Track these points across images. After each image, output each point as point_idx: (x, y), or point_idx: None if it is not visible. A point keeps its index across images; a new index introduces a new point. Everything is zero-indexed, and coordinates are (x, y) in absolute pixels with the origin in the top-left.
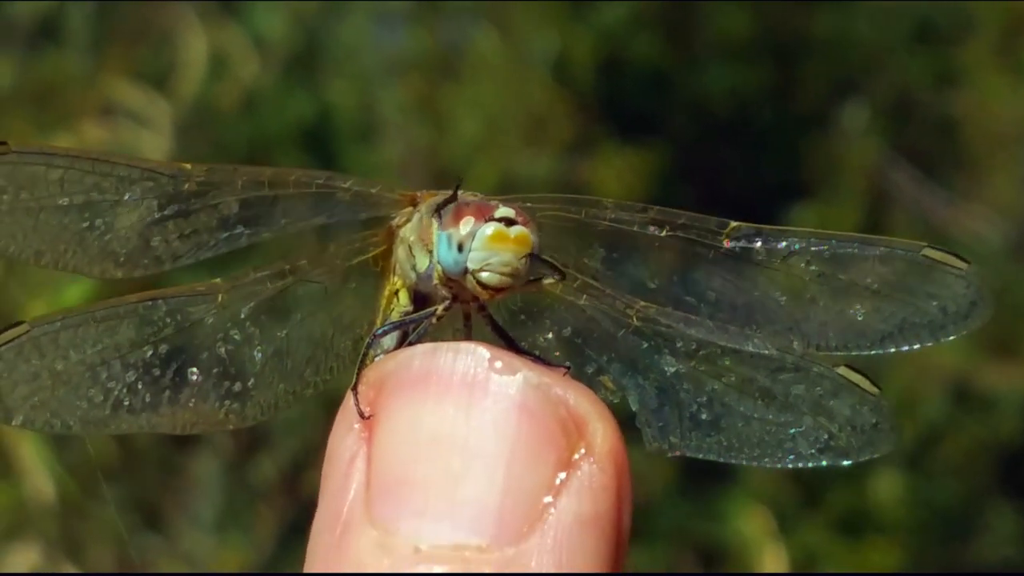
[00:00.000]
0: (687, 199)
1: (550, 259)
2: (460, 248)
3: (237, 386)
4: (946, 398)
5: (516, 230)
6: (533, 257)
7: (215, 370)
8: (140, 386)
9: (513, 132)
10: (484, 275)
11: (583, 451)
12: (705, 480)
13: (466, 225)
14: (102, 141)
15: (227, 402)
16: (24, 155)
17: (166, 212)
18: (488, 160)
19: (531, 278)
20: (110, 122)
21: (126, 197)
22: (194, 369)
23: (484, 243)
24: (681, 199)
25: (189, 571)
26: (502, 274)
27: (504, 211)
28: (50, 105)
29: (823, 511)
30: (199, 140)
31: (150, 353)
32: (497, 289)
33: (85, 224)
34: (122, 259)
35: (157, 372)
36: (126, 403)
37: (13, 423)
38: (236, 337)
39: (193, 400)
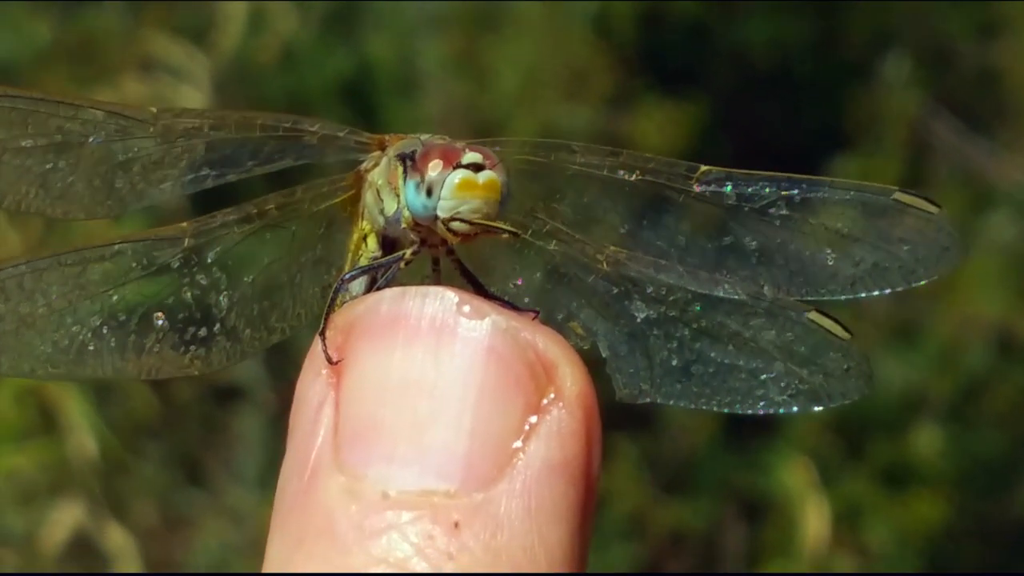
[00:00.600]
0: (727, 151)
1: (505, 226)
2: (428, 193)
3: (203, 331)
4: (989, 348)
5: (485, 176)
6: (502, 203)
7: (181, 315)
8: (105, 331)
9: (553, 86)
10: (454, 224)
11: (552, 396)
12: (747, 432)
13: (434, 169)
14: (141, 96)
15: (192, 347)
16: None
17: (131, 155)
18: (528, 114)
19: (498, 225)
20: (149, 77)
21: (91, 140)
22: (159, 314)
23: (453, 191)
24: (721, 151)
25: (231, 527)
26: (472, 221)
27: (471, 156)
28: (89, 60)
29: (866, 462)
30: (238, 95)
31: (115, 298)
32: (467, 236)
33: (49, 166)
34: (86, 200)
35: (123, 317)
36: (91, 348)
37: None
38: (202, 282)
39: (158, 345)
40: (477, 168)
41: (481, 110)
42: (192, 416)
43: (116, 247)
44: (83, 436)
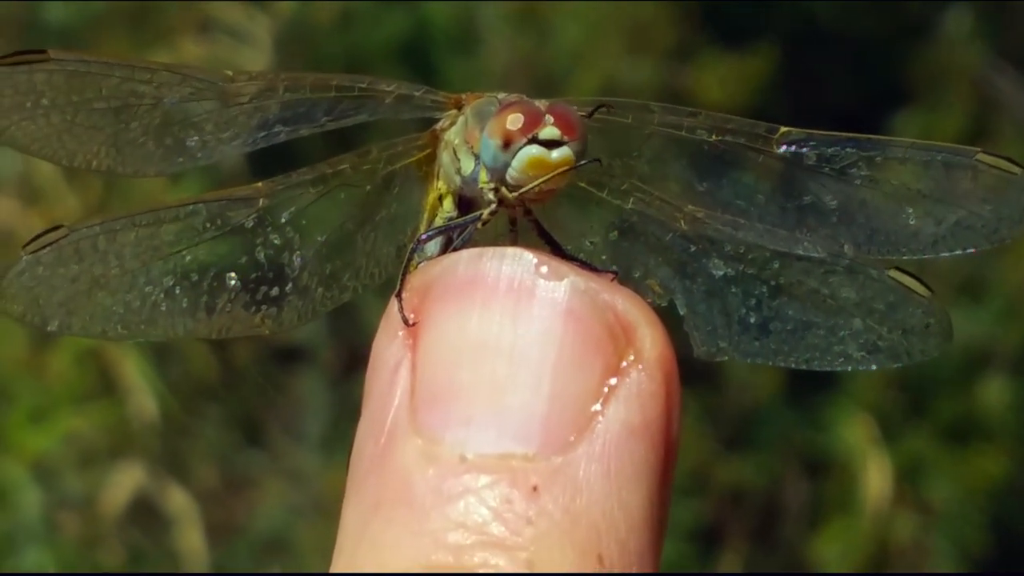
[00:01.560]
0: (789, 106)
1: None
2: (506, 145)
3: (275, 291)
4: None
5: (560, 153)
6: (576, 166)
7: (253, 275)
8: (178, 291)
9: (615, 40)
10: (523, 190)
11: (631, 358)
12: (809, 389)
13: (514, 124)
14: (200, 58)
15: (264, 307)
16: (62, 62)
17: (205, 114)
18: (590, 68)
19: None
20: (207, 39)
21: (165, 101)
22: (232, 274)
23: (525, 165)
24: (783, 106)
25: (292, 489)
26: (537, 194)
27: (551, 132)
28: (147, 23)
29: (928, 418)
30: (296, 56)
31: (189, 258)
32: (534, 201)
33: (121, 126)
34: (156, 158)
35: (195, 277)
36: (163, 308)
37: (49, 328)
38: (276, 242)
39: (230, 305)
40: (554, 144)
41: (542, 66)
42: (252, 377)
43: (191, 207)
44: (143, 398)
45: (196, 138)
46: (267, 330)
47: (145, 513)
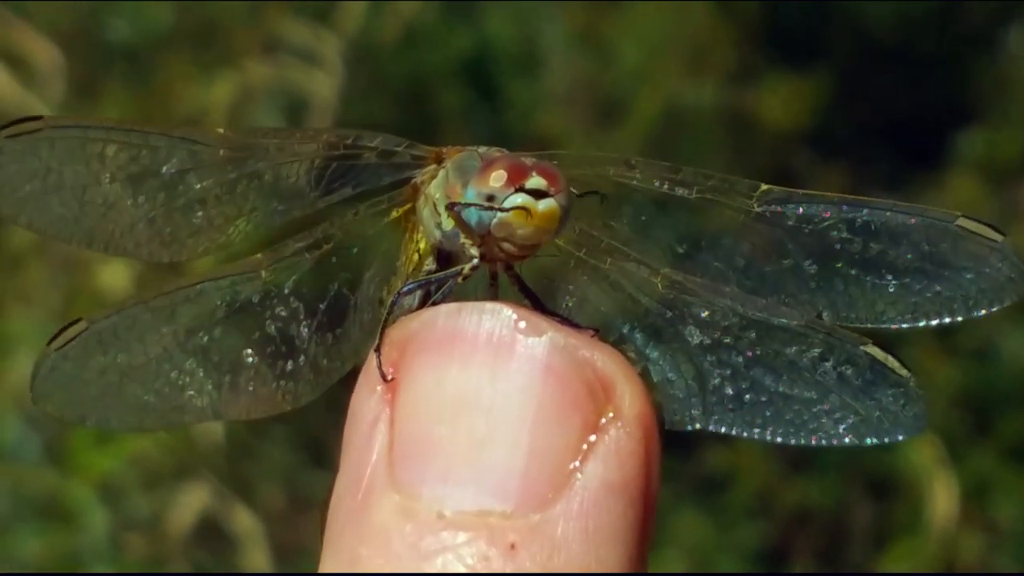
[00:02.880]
0: (851, 125)
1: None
2: (490, 199)
3: (289, 365)
4: None
5: (545, 205)
6: (559, 229)
7: (268, 350)
8: (202, 374)
9: (676, 61)
10: (505, 245)
11: (611, 415)
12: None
13: (497, 181)
14: (266, 78)
15: (282, 382)
16: (59, 129)
17: (203, 184)
18: (651, 89)
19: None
20: (274, 59)
21: (164, 170)
22: (249, 351)
23: (511, 215)
24: (845, 126)
25: None
26: (522, 247)
27: (536, 181)
28: (212, 44)
29: (994, 438)
30: (360, 75)
31: (206, 339)
32: (523, 256)
33: (129, 202)
34: (167, 239)
35: (216, 358)
36: (191, 392)
37: (88, 424)
38: (283, 314)
39: (252, 384)
40: (540, 195)
41: (604, 86)
42: (318, 398)
43: (199, 287)
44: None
45: (201, 214)
46: (288, 406)
47: (211, 534)
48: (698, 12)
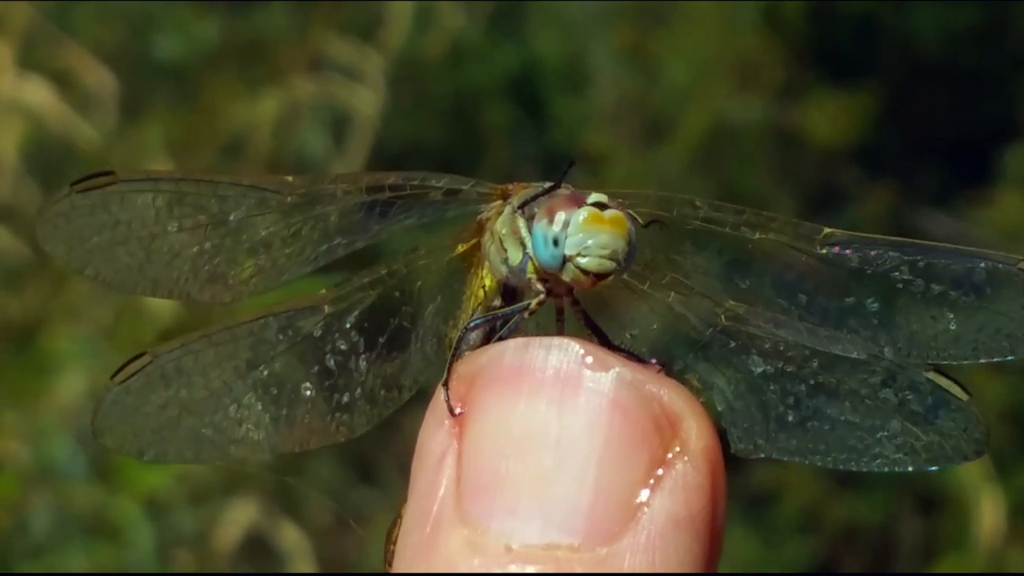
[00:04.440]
0: (898, 142)
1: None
2: (556, 243)
3: (346, 397)
4: None
5: (611, 212)
6: (630, 248)
7: (326, 383)
8: (260, 407)
9: (724, 78)
10: (583, 260)
11: (677, 449)
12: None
13: (559, 220)
14: (311, 95)
15: (338, 414)
16: (131, 183)
17: (271, 229)
18: (698, 107)
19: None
20: (320, 77)
21: (232, 217)
22: (307, 384)
23: (579, 227)
24: (892, 142)
25: None
26: (601, 256)
27: (596, 196)
28: (258, 61)
29: None
30: (404, 93)
31: (266, 373)
32: (598, 275)
33: (195, 249)
34: (231, 281)
35: (275, 391)
36: (249, 426)
37: (145, 458)
38: (342, 347)
39: (308, 416)
40: (603, 207)
41: (651, 104)
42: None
43: (261, 321)
44: None
45: (264, 256)
46: (342, 437)
47: (258, 550)
48: (745, 29)
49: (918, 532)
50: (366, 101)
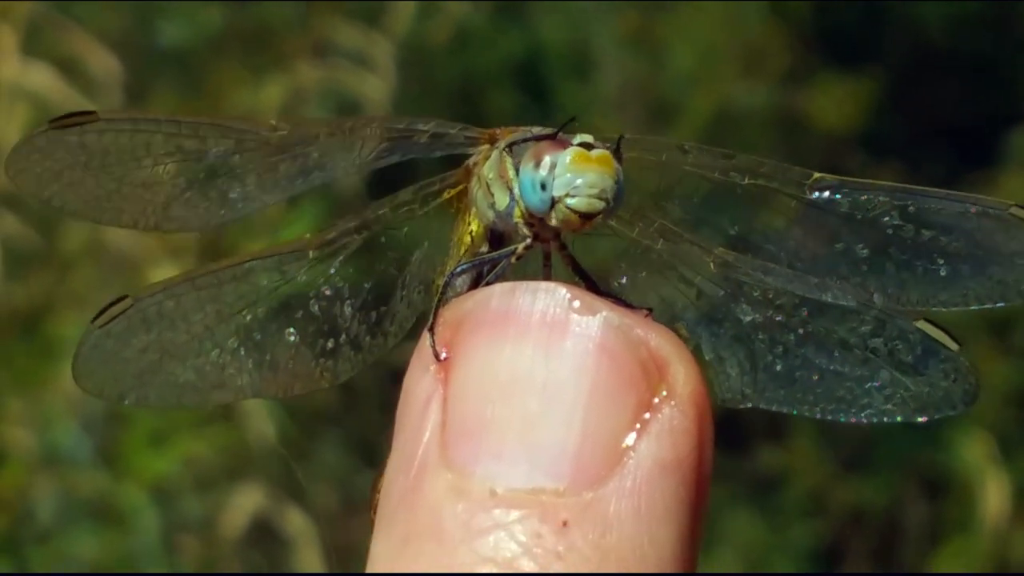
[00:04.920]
0: (904, 127)
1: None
2: (543, 186)
3: (330, 343)
4: None
5: (597, 152)
6: (618, 188)
7: (310, 328)
8: (243, 352)
9: (729, 64)
10: (572, 200)
11: (664, 394)
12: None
13: (546, 164)
14: (317, 81)
15: (322, 360)
16: (112, 122)
17: (248, 166)
18: (703, 92)
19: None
20: (325, 62)
21: (210, 154)
22: (291, 329)
23: (566, 167)
24: (898, 127)
25: None
26: (590, 195)
27: (582, 137)
28: (262, 47)
29: None
30: (410, 78)
31: (249, 317)
32: (587, 215)
33: (167, 183)
34: (200, 211)
35: (258, 336)
36: (231, 371)
37: (126, 402)
38: (327, 293)
39: (292, 362)
40: (589, 147)
41: (657, 89)
42: (371, 401)
43: (246, 265)
44: (262, 421)
45: (239, 190)
46: (326, 383)
47: (264, 535)
48: (751, 14)
49: (924, 515)
50: (372, 87)
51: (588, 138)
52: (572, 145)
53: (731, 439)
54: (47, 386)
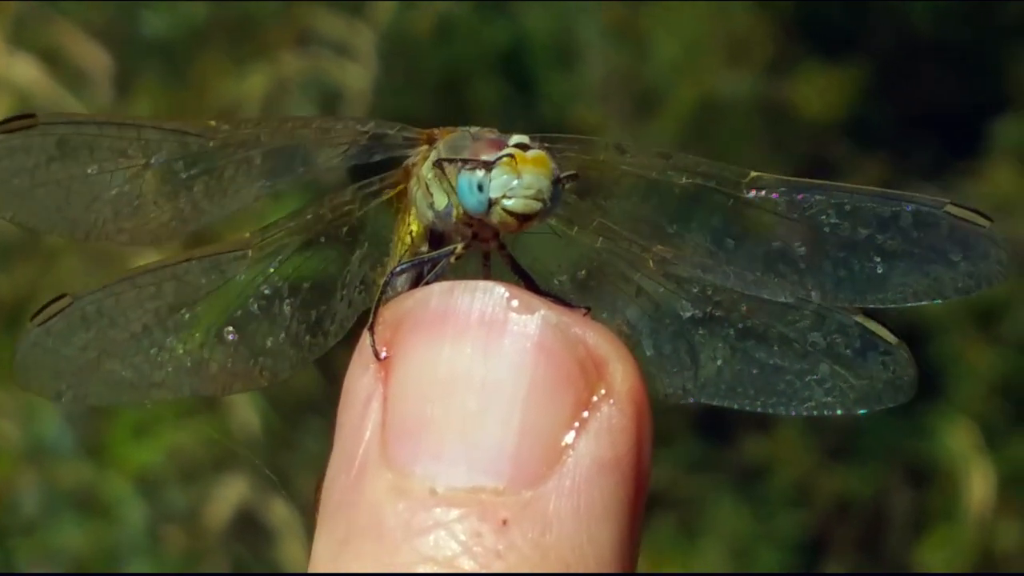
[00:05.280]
0: (888, 116)
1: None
2: (480, 188)
3: (269, 342)
4: None
5: (533, 152)
6: (556, 182)
7: (249, 327)
8: (181, 351)
9: (713, 54)
10: (509, 202)
11: (603, 392)
12: (913, 397)
13: (485, 148)
14: (300, 71)
15: (261, 359)
16: (52, 126)
17: (193, 171)
18: (688, 82)
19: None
20: (308, 52)
21: (153, 160)
22: (230, 328)
23: (502, 169)
24: (882, 116)
25: None
26: (527, 196)
27: (518, 138)
28: (246, 37)
29: None
30: (394, 68)
31: (188, 316)
32: (525, 215)
33: (115, 192)
34: (150, 224)
35: (197, 335)
36: (169, 369)
37: (63, 400)
38: (266, 292)
39: (231, 360)
40: (525, 147)
41: (640, 79)
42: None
43: (185, 264)
44: (246, 411)
45: (185, 198)
46: (265, 382)
47: (249, 526)
48: (734, 4)
49: (909, 504)
50: (355, 77)
51: (524, 139)
52: (508, 146)
53: (716, 429)
54: None
